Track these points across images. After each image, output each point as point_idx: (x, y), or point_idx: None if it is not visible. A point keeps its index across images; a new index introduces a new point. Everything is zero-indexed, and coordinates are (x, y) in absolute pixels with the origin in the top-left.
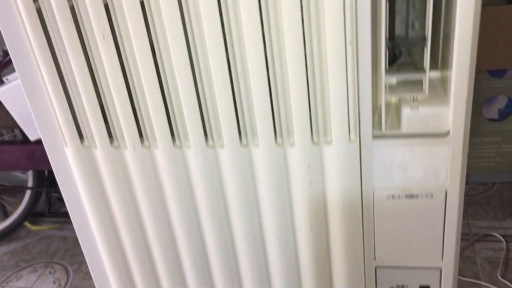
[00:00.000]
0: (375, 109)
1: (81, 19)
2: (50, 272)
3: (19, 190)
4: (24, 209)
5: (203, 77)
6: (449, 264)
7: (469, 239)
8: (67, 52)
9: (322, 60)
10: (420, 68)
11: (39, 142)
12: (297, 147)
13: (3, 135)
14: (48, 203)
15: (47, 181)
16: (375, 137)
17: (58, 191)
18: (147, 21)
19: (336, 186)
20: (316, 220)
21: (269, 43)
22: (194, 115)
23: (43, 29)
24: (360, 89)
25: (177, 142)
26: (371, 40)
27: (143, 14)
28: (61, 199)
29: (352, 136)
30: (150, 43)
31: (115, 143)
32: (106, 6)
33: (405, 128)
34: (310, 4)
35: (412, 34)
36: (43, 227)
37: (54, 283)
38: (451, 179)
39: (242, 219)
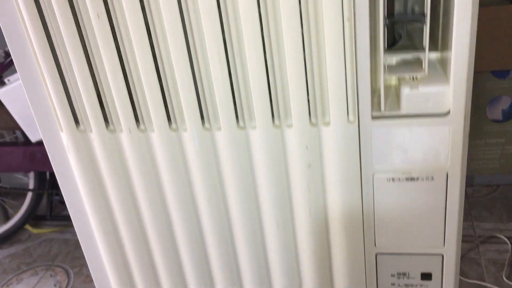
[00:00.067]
0: (375, 91)
1: None
2: (51, 275)
3: (20, 192)
4: (25, 212)
5: (199, 59)
6: (451, 250)
7: (473, 241)
8: (62, 34)
9: (319, 39)
10: (419, 49)
11: (40, 143)
12: (295, 129)
13: (4, 137)
14: (50, 207)
15: (48, 183)
16: (374, 117)
17: (60, 194)
18: (142, 2)
19: (335, 169)
20: (315, 205)
21: (266, 22)
22: (190, 97)
23: (37, 10)
24: (359, 69)
25: (173, 125)
26: (369, 16)
27: None
28: (62, 202)
29: (351, 117)
30: (145, 25)
31: (111, 127)
32: None
33: (404, 108)
34: None
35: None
36: (45, 230)
37: (55, 286)
38: (452, 161)
39: (240, 203)
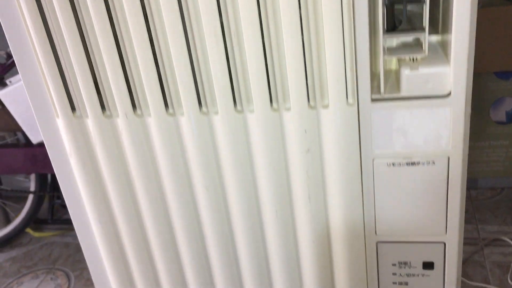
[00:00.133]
0: (374, 75)
1: None
2: (51, 278)
3: (21, 195)
4: (27, 214)
5: (196, 42)
6: (453, 238)
7: (478, 244)
8: (59, 19)
9: (318, 20)
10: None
11: (41, 145)
12: (293, 112)
13: (5, 139)
14: (51, 210)
15: (50, 186)
16: (373, 100)
17: (61, 198)
18: None
19: (334, 154)
20: (314, 191)
21: (263, 4)
22: (187, 81)
23: None
24: (358, 50)
25: (170, 109)
26: None
27: None
28: (64, 206)
29: (350, 99)
30: (142, 8)
31: (107, 112)
32: None
33: (404, 90)
34: None
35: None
36: (46, 234)
37: None
38: (454, 144)
39: (238, 189)
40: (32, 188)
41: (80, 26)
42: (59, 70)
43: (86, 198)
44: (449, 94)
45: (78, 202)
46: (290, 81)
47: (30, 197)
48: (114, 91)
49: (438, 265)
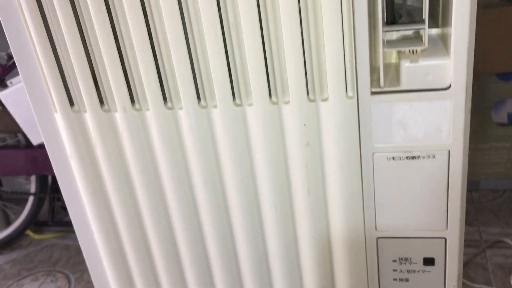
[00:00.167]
0: (374, 68)
1: None
2: (51, 281)
3: (22, 197)
4: (27, 216)
5: (195, 36)
6: (454, 233)
7: (480, 246)
8: (57, 13)
9: (317, 13)
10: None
11: (42, 146)
12: (292, 105)
13: (6, 140)
14: (51, 212)
15: (50, 188)
16: (373, 93)
17: (62, 200)
18: None
19: (334, 147)
20: (313, 185)
21: None
22: (186, 75)
23: None
24: (357, 43)
25: (169, 103)
26: None
27: None
28: (64, 208)
29: (350, 92)
30: (141, 2)
31: (105, 106)
32: None
33: (404, 83)
34: None
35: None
36: (46, 236)
37: None
38: (454, 138)
39: (237, 184)
40: (33, 190)
41: (79, 20)
42: (57, 65)
43: (84, 193)
44: (449, 86)
45: (77, 200)
46: (289, 74)
47: (31, 199)
48: (112, 85)
49: (439, 261)
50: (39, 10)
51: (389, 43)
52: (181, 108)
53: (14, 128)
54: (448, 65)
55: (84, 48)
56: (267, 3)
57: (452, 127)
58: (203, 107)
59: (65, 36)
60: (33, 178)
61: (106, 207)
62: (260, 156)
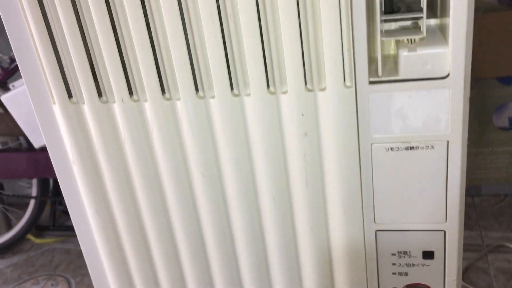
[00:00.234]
0: (372, 58)
1: None
2: (52, 284)
3: (23, 201)
4: (28, 220)
5: (192, 25)
6: (453, 225)
7: (481, 250)
8: (56, 5)
9: (314, 1)
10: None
11: (44, 149)
12: (291, 95)
13: (7, 144)
14: (53, 216)
15: (52, 192)
16: (371, 82)
17: (63, 204)
18: None
19: (332, 138)
20: (311, 176)
21: None
22: (184, 65)
23: None
24: (355, 32)
25: (167, 94)
26: None
27: None
28: (66, 213)
29: (348, 82)
30: None
31: (103, 98)
32: None
33: (402, 72)
34: None
35: None
36: (47, 240)
37: None
38: (453, 128)
39: (235, 176)
40: (34, 194)
41: (77, 11)
42: (55, 56)
43: (82, 187)
44: (448, 75)
45: (76, 199)
46: (287, 64)
47: (32, 202)
48: (110, 76)
49: (438, 254)
50: (38, 1)
51: (387, 33)
52: (179, 99)
53: (16, 131)
54: (447, 54)
55: (82, 39)
56: None
57: (451, 116)
58: (201, 98)
59: (64, 28)
60: (34, 182)
61: (104, 198)
62: (258, 145)
